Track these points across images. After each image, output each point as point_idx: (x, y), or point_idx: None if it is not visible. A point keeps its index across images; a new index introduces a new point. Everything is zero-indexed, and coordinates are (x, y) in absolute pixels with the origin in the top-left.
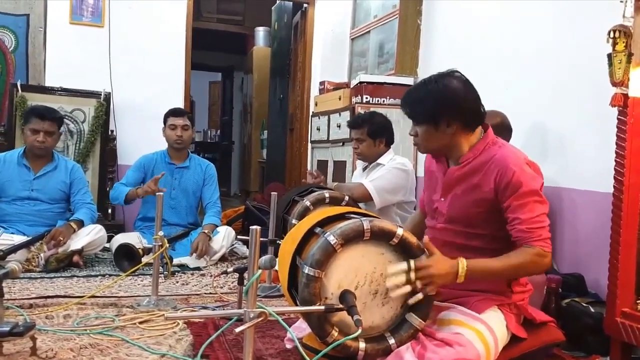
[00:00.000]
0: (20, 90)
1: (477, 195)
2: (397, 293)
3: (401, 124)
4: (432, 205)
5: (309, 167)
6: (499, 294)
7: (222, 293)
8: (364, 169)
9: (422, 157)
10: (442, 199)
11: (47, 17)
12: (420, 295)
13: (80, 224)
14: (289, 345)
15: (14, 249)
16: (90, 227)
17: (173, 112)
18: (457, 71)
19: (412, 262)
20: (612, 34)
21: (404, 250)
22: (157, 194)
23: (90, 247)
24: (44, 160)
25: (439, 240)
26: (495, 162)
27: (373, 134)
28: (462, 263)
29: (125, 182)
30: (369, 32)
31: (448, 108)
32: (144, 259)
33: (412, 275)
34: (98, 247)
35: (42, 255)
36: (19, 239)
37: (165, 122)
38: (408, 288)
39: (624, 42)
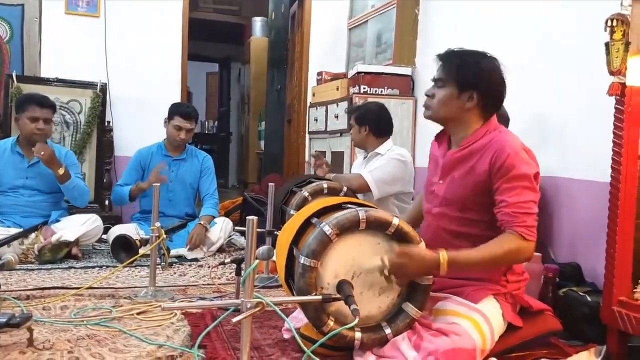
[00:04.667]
0: (15, 81)
1: (473, 178)
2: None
3: (399, 114)
4: (430, 187)
5: (307, 158)
6: (495, 283)
7: (219, 284)
8: (364, 158)
9: (420, 147)
10: (440, 182)
11: (42, 7)
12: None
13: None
14: (286, 335)
15: (6, 241)
16: (85, 217)
17: (182, 114)
18: None
19: (386, 260)
20: (609, 23)
21: (400, 240)
22: (154, 184)
23: (85, 238)
24: None
25: (433, 226)
26: (493, 145)
27: (357, 119)
28: (444, 255)
29: (122, 184)
30: (366, 22)
31: (480, 81)
32: (141, 250)
33: (386, 272)
34: (93, 237)
35: (35, 246)
36: (15, 232)
37: (170, 116)
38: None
39: (621, 30)
